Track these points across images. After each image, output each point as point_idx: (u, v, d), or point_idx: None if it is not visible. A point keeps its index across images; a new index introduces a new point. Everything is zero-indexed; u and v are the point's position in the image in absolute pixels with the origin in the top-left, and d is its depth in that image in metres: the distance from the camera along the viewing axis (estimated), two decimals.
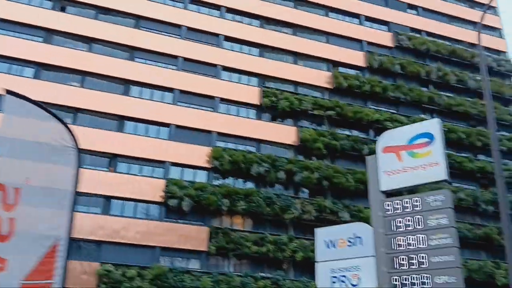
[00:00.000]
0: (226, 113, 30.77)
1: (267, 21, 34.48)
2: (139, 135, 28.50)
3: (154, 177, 27.61)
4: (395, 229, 9.36)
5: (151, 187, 27.15)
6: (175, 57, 30.99)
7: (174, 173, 28.10)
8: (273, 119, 32.01)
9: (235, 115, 30.89)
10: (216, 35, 32.58)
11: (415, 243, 8.98)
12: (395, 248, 9.19)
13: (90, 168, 26.99)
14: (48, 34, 29.34)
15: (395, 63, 35.54)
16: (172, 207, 26.75)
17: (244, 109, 31.48)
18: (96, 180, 26.58)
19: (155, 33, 31.38)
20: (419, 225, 9.08)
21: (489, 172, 34.04)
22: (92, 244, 25.60)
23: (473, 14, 41.44)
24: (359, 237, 9.71)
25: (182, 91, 30.16)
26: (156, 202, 27.00)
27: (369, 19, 37.69)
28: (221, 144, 29.69)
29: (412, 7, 39.64)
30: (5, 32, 28.37)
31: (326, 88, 33.86)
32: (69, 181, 6.43)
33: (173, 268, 25.43)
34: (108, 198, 26.57)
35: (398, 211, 9.46)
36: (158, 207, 27.05)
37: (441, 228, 8.78)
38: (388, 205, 9.65)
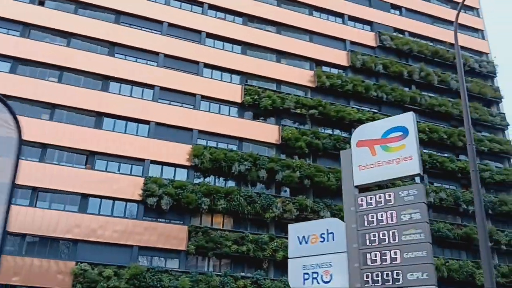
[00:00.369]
0: (208, 111, 30.40)
1: (250, 19, 34.21)
2: (118, 132, 27.99)
3: (132, 175, 27.13)
4: (368, 225, 9.12)
5: (130, 185, 26.66)
6: (156, 53, 30.55)
7: (154, 171, 27.63)
8: (255, 117, 31.72)
9: (216, 113, 30.53)
10: (198, 32, 32.21)
11: (387, 239, 8.74)
12: (368, 243, 8.95)
13: (67, 165, 26.53)
14: (26, 28, 28.71)
15: (377, 63, 35.52)
16: (151, 206, 26.29)
17: (226, 107, 31.14)
18: (73, 178, 26.09)
19: (135, 28, 30.92)
20: (392, 220, 8.86)
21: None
22: (68, 242, 25.05)
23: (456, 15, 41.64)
24: (332, 233, 9.46)
25: (162, 88, 29.72)
26: (135, 200, 26.52)
27: (353, 18, 37.65)
28: (202, 142, 29.31)
29: (395, 7, 39.71)
30: None
31: (309, 87, 33.69)
32: (8, 173, 5.92)
33: (151, 267, 24.96)
34: (85, 196, 26.01)
35: (371, 206, 9.23)
36: (137, 206, 26.57)
37: (413, 223, 8.56)
38: (361, 200, 9.42)
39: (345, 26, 37.08)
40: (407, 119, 9.79)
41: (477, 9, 43.41)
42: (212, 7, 33.36)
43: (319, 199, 29.70)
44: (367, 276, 8.66)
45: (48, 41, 29.09)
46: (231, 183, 29.24)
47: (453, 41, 38.30)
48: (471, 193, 33.35)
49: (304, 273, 9.42)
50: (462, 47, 39.92)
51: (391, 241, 8.69)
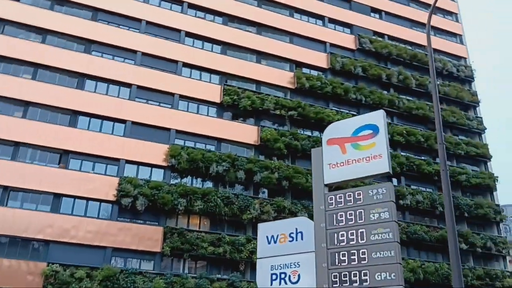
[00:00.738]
0: (186, 111, 30.04)
1: (230, 19, 34.00)
2: (93, 131, 27.45)
3: (107, 175, 26.61)
4: (336, 224, 8.96)
5: (104, 185, 26.14)
6: (134, 51, 30.11)
7: (129, 171, 27.16)
8: (234, 117, 31.47)
9: (195, 113, 30.19)
10: (178, 30, 31.86)
11: (356, 238, 8.59)
12: (336, 243, 8.79)
13: (40, 164, 25.92)
14: (0, 24, 27.99)
15: (357, 66, 35.64)
16: (126, 206, 25.82)
17: (204, 107, 30.84)
18: (45, 177, 25.51)
19: (113, 26, 30.43)
20: (360, 219, 8.71)
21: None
22: (40, 243, 24.43)
23: (435, 20, 42.09)
24: (301, 232, 9.27)
25: (140, 87, 29.29)
26: (109, 200, 26.01)
27: (333, 21, 37.74)
28: (179, 142, 28.94)
29: (375, 11, 39.94)
30: None
31: (288, 88, 33.60)
32: None
33: (124, 269, 24.48)
34: (58, 195, 25.43)
35: (340, 205, 9.07)
36: (111, 206, 26.06)
37: (382, 222, 8.42)
38: (331, 199, 9.26)
39: (325, 29, 37.14)
40: (378, 118, 9.67)
41: (456, 14, 43.95)
42: (192, 6, 33.07)
43: (297, 201, 29.58)
44: (335, 277, 8.49)
45: (23, 37, 28.43)
46: (208, 184, 28.91)
47: (433, 45, 38.74)
48: None
49: (272, 274, 9.22)
50: (441, 51, 40.49)
51: (359, 241, 8.54)
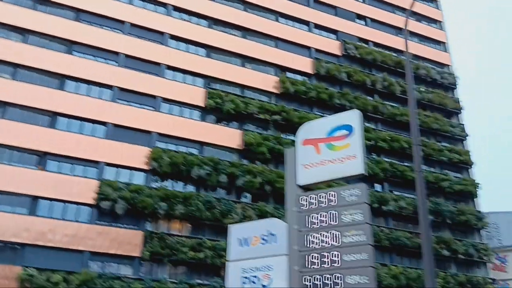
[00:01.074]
0: (168, 113, 29.71)
1: (215, 22, 33.82)
2: (73, 132, 26.97)
3: (86, 178, 26.12)
4: (309, 226, 8.73)
5: (83, 188, 25.66)
6: (116, 53, 29.74)
7: (109, 174, 26.72)
8: (218, 121, 31.21)
9: (177, 116, 29.87)
10: (161, 33, 31.59)
11: (328, 240, 8.37)
12: (309, 245, 8.56)
13: (17, 166, 25.36)
14: None
15: (341, 71, 35.67)
16: (105, 210, 25.36)
17: (187, 110, 30.53)
18: (23, 179, 24.98)
19: (96, 27, 30.04)
20: (333, 221, 8.50)
21: (430, 182, 34.61)
22: (15, 246, 23.82)
23: (420, 27, 42.47)
24: (273, 234, 9.02)
25: (121, 89, 28.91)
26: (88, 204, 25.52)
27: (318, 26, 37.78)
28: (161, 145, 28.58)
29: (360, 17, 40.10)
30: None
31: (273, 93, 33.47)
32: None
33: (102, 273, 23.98)
34: (36, 198, 24.89)
35: (313, 206, 8.86)
36: (90, 209, 25.56)
37: (355, 224, 8.21)
38: (304, 200, 9.03)
39: (310, 34, 37.14)
40: (353, 118, 9.50)
41: (440, 22, 44.33)
42: (176, 8, 32.83)
43: (280, 206, 29.28)
44: (307, 280, 8.26)
45: (3, 37, 27.90)
46: (190, 188, 28.56)
47: (415, 52, 39.02)
48: (430, 202, 33.70)
49: (243, 277, 8.94)
50: (425, 59, 40.77)
51: (332, 243, 8.32)
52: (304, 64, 35.52)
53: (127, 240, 25.41)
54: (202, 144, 29.79)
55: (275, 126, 32.14)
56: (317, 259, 8.33)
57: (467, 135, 39.19)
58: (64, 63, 28.31)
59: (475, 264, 34.91)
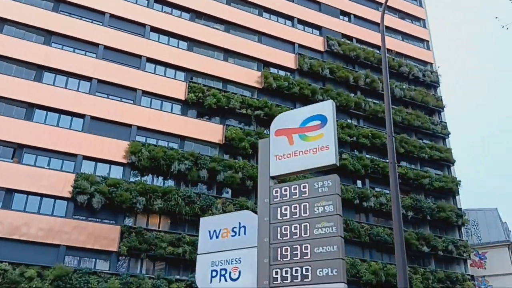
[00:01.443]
0: (148, 107, 29.27)
1: (198, 15, 33.42)
2: (50, 125, 26.39)
3: (63, 171, 25.59)
4: (280, 217, 8.54)
5: (59, 181, 25.12)
6: (96, 44, 29.18)
7: (87, 167, 26.19)
8: (199, 116, 30.87)
9: (158, 109, 29.44)
10: (143, 25, 31.09)
11: (299, 232, 8.17)
12: (279, 238, 8.37)
13: None
14: None
15: (325, 67, 35.57)
16: (81, 204, 24.86)
17: (168, 104, 30.12)
18: None
19: (75, 18, 29.43)
20: (305, 213, 8.33)
21: (411, 179, 34.77)
22: None
23: (403, 25, 42.59)
24: (244, 227, 8.81)
25: (100, 81, 28.37)
26: (64, 197, 24.98)
27: (302, 22, 37.61)
28: (141, 139, 28.14)
29: (344, 14, 40.03)
30: None
31: (255, 88, 33.22)
32: None
33: (78, 268, 23.52)
34: (10, 191, 24.27)
35: (285, 198, 8.66)
36: (66, 203, 25.04)
37: (326, 215, 8.03)
38: (276, 192, 8.83)
39: (294, 29, 36.96)
40: (327, 108, 9.29)
41: (424, 20, 44.50)
42: (158, 0, 32.37)
43: None
44: (276, 273, 8.06)
45: None
46: (170, 183, 28.19)
47: (398, 50, 39.00)
48: (410, 199, 33.87)
49: (212, 270, 8.72)
50: (407, 56, 40.88)
51: (303, 235, 8.13)
52: (287, 59, 35.33)
53: (104, 234, 24.97)
54: (182, 138, 29.42)
55: (257, 121, 31.91)
56: (288, 252, 8.13)
57: (448, 133, 39.43)
58: (42, 54, 27.68)
59: (455, 261, 35.18)
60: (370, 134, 34.30)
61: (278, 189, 8.83)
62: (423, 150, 36.60)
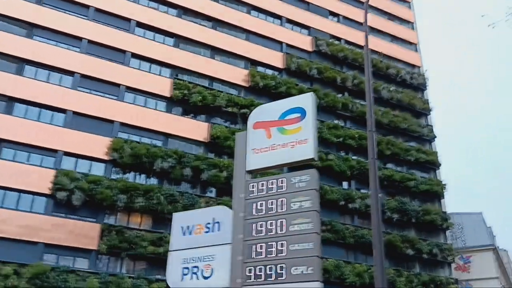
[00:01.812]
0: (132, 103, 28.75)
1: (185, 12, 32.97)
2: (30, 119, 25.75)
3: (43, 167, 24.97)
4: (256, 213, 8.19)
5: (39, 178, 24.50)
6: (79, 38, 28.60)
7: (68, 163, 25.62)
8: (185, 113, 30.40)
9: (142, 106, 28.93)
10: (128, 20, 30.57)
11: (275, 229, 7.82)
12: (254, 234, 8.01)
13: None
14: None
15: (312, 67, 35.33)
16: (61, 201, 24.28)
17: (152, 101, 29.62)
18: None
19: (59, 11, 28.81)
20: (281, 209, 7.97)
21: (396, 181, 34.64)
22: None
23: (392, 27, 42.54)
24: (218, 223, 8.45)
25: (83, 76, 27.80)
26: (43, 194, 24.38)
27: (291, 21, 37.36)
28: (124, 136, 27.61)
29: (333, 14, 39.86)
30: None
31: (242, 86, 32.85)
32: None
33: (56, 266, 22.91)
34: None
35: (262, 193, 8.30)
36: (45, 200, 24.43)
37: (303, 211, 7.69)
38: (252, 186, 8.48)
39: (282, 28, 36.69)
40: (306, 101, 8.95)
41: (412, 23, 44.52)
42: None
43: None
44: (250, 271, 7.70)
45: None
46: (153, 181, 27.69)
47: (386, 52, 38.92)
48: (396, 201, 33.71)
49: (184, 268, 8.34)
50: (395, 59, 40.81)
51: (278, 232, 7.79)
52: (275, 58, 35.04)
53: (84, 232, 24.40)
54: (167, 136, 28.95)
55: (243, 120, 31.46)
56: (262, 249, 7.78)
57: (435, 136, 39.42)
58: (23, 47, 27.03)
59: (439, 264, 35.09)
60: (356, 136, 34.11)
61: (255, 184, 8.49)
62: (409, 152, 36.52)
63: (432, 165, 37.89)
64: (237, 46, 33.80)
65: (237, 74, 32.99)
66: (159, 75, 30.32)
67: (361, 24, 40.15)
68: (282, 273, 7.39)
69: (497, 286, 41.33)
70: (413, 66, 42.12)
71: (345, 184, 33.39)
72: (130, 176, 27.08)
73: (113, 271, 24.39)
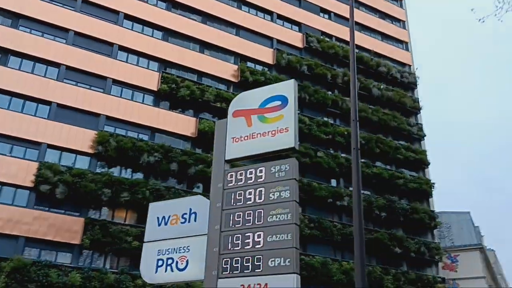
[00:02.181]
0: (119, 96, 28.30)
1: (174, 5, 32.57)
2: (14, 111, 25.22)
3: (26, 159, 24.47)
4: (234, 203, 7.91)
5: (21, 170, 24.02)
6: (66, 30, 28.11)
7: (52, 156, 25.12)
8: (172, 107, 29.99)
9: (128, 99, 28.49)
10: (116, 12, 30.10)
11: (252, 220, 7.54)
12: (232, 225, 7.72)
13: None
14: None
15: (303, 64, 35.09)
16: (44, 194, 23.81)
17: (140, 94, 29.19)
18: None
19: (44, 1, 28.28)
20: (260, 199, 7.69)
21: (385, 179, 34.50)
22: None
23: (383, 25, 42.41)
24: (195, 213, 8.14)
25: (69, 67, 27.32)
26: (26, 187, 23.89)
27: (281, 17, 37.09)
28: (110, 129, 27.16)
29: (324, 11, 39.63)
30: None
31: (231, 81, 32.51)
32: None
33: (37, 261, 22.45)
34: None
35: (240, 183, 8.01)
36: (28, 193, 23.94)
37: (281, 202, 7.41)
38: (231, 176, 8.18)
39: (273, 24, 36.40)
40: (288, 88, 8.68)
41: (404, 21, 44.42)
42: None
43: None
44: (226, 262, 7.42)
45: None
46: (139, 175, 27.29)
47: (377, 50, 38.72)
48: (384, 199, 33.58)
49: (158, 260, 8.03)
50: (386, 57, 40.67)
51: (256, 222, 7.51)
52: (265, 54, 34.74)
53: (66, 226, 23.96)
54: (153, 130, 28.55)
55: None
56: (239, 240, 7.49)
57: (424, 135, 39.35)
58: (8, 38, 26.48)
59: (427, 263, 35.04)
60: (346, 133, 33.91)
61: (233, 173, 8.20)
62: (398, 151, 36.41)
63: (421, 163, 37.81)
64: (227, 41, 33.45)
65: (226, 69, 32.65)
66: (147, 68, 29.90)
67: None
68: (259, 265, 7.12)
69: (484, 285, 41.44)
70: (404, 64, 42.03)
71: (333, 182, 33.20)
72: (115, 170, 26.65)
73: (96, 266, 23.98)
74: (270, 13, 36.75)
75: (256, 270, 7.12)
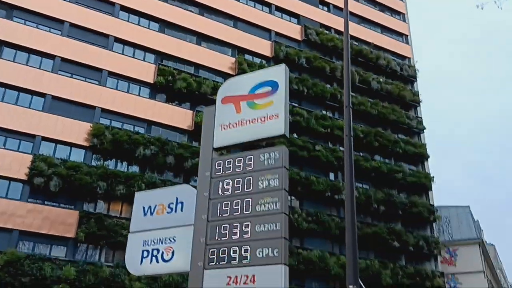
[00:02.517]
0: (115, 89, 27.99)
1: None
2: (8, 103, 24.93)
3: (20, 151, 24.20)
4: (222, 193, 7.62)
5: (15, 162, 23.76)
6: (61, 21, 27.78)
7: (46, 149, 24.86)
8: (169, 100, 29.68)
9: (124, 92, 28.18)
10: (112, 3, 29.76)
11: (240, 209, 7.26)
12: (219, 215, 7.45)
13: None
14: None
15: (301, 56, 34.72)
16: (38, 186, 23.55)
17: (136, 86, 28.89)
18: None
19: None
20: (248, 188, 7.40)
21: (384, 173, 34.22)
22: None
23: (383, 18, 42.01)
24: (181, 203, 7.86)
25: (64, 59, 27.00)
26: (20, 179, 23.63)
27: (280, 9, 36.69)
28: (105, 121, 26.88)
29: (323, 3, 39.23)
30: None
31: (229, 74, 32.04)
32: None
33: (31, 254, 22.23)
34: None
35: (228, 172, 7.73)
36: (21, 185, 23.69)
37: (270, 190, 7.13)
38: (219, 164, 7.89)
39: (271, 16, 36.02)
40: (279, 73, 8.35)
41: (403, 14, 44.00)
42: None
43: None
44: (212, 253, 7.16)
45: None
46: (135, 168, 27.02)
47: (377, 43, 38.33)
48: (383, 193, 33.32)
49: (143, 251, 7.80)
50: (386, 50, 40.28)
51: (244, 212, 7.24)
52: (263, 46, 34.38)
53: (61, 219, 23.71)
54: (149, 123, 28.26)
55: None
56: (227, 230, 7.22)
57: (424, 128, 39.03)
58: (3, 29, 26.17)
59: (425, 257, 34.82)
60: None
61: (221, 162, 7.92)
62: (397, 144, 36.10)
63: (420, 157, 37.52)
64: (224, 33, 33.09)
65: (224, 62, 32.31)
66: (143, 60, 29.58)
67: (351, 14, 39.57)
68: (247, 255, 6.86)
69: (483, 280, 41.21)
70: (404, 57, 41.64)
71: (331, 175, 32.92)
72: (111, 163, 26.39)
73: (91, 260, 23.76)
74: (268, 5, 36.36)
75: (243, 261, 6.86)
